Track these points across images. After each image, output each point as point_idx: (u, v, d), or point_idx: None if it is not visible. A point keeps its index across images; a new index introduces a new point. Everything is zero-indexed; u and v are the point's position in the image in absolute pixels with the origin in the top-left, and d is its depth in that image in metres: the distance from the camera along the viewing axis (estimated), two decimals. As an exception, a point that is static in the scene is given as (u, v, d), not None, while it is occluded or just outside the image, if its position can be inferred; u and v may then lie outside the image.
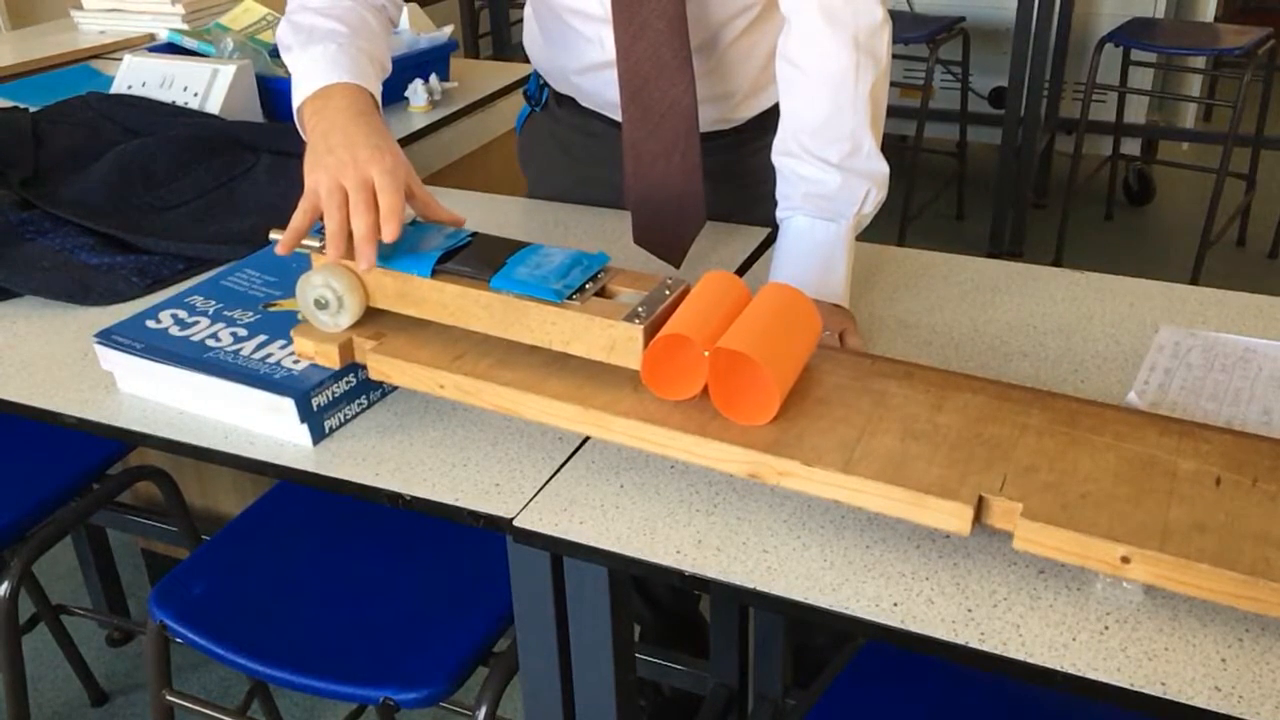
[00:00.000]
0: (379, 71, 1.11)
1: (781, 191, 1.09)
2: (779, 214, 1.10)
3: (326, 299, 0.90)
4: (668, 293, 0.85)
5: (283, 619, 1.13)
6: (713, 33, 1.19)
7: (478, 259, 0.89)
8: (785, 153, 1.08)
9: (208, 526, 1.56)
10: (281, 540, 1.23)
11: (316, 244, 0.92)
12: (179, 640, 1.14)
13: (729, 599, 1.06)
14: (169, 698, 1.22)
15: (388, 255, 0.90)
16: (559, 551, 0.84)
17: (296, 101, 1.05)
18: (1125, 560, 0.70)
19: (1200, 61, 3.56)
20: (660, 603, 1.67)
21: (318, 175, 0.92)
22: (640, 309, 0.83)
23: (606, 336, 0.83)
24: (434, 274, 0.88)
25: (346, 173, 0.91)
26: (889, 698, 1.03)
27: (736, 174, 1.33)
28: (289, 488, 1.29)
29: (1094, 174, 3.55)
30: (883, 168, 1.07)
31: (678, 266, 1.19)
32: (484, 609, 1.10)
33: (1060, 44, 3.36)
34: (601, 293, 0.86)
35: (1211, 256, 3.02)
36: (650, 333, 0.82)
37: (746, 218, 1.30)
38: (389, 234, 0.89)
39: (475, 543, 1.18)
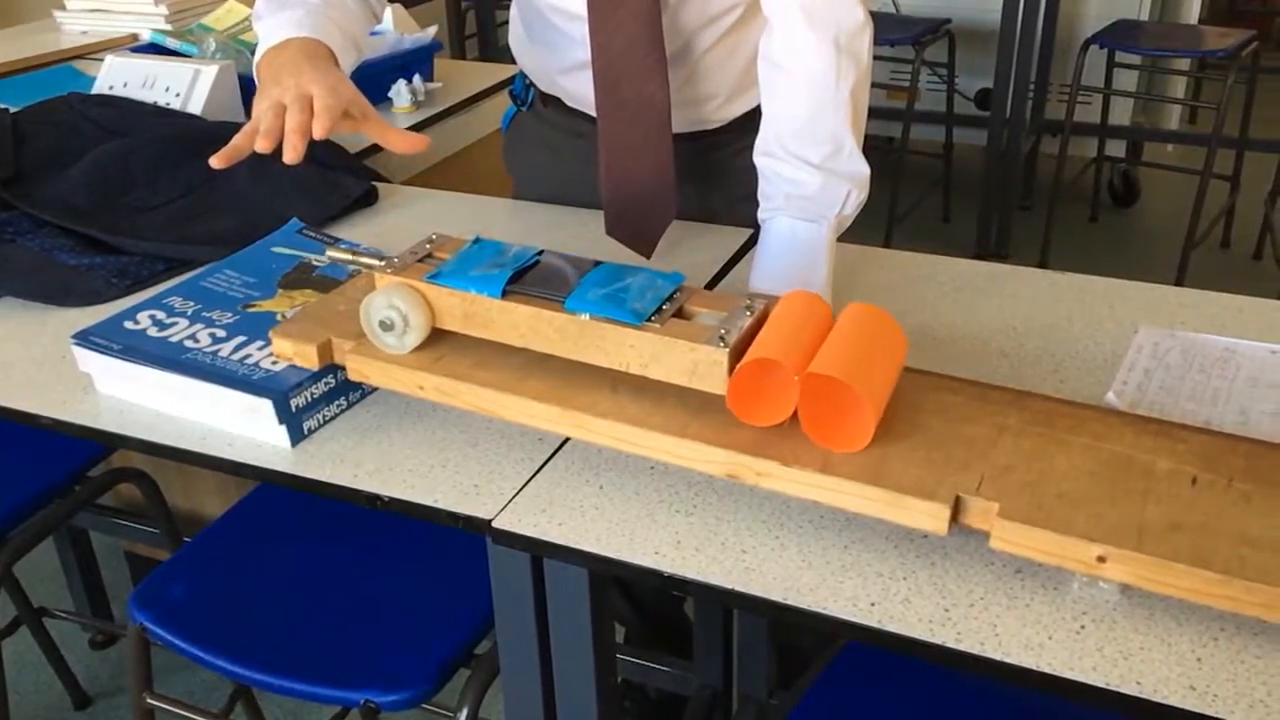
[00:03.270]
0: (348, 43, 1.12)
1: (763, 192, 1.10)
2: (760, 214, 1.10)
3: (392, 320, 0.87)
4: (748, 313, 0.82)
5: (263, 621, 1.12)
6: (694, 36, 1.20)
7: (549, 279, 0.86)
8: (766, 153, 1.08)
9: (192, 528, 1.56)
10: (263, 542, 1.23)
11: (378, 263, 0.90)
12: (159, 643, 1.14)
13: (709, 600, 1.06)
14: (150, 701, 1.22)
15: (454, 274, 0.87)
16: (538, 552, 0.84)
17: (255, 59, 1.08)
18: (1101, 560, 0.70)
19: (1184, 63, 3.58)
20: (645, 604, 1.66)
21: (261, 102, 0.95)
22: (723, 331, 0.80)
23: (688, 360, 0.80)
24: (504, 294, 0.85)
25: (289, 94, 0.94)
26: (870, 698, 1.03)
27: (720, 175, 1.33)
28: (271, 489, 1.29)
29: (1079, 176, 3.56)
30: (864, 169, 1.07)
31: (648, 257, 1.20)
32: (465, 611, 1.10)
33: (1045, 46, 3.37)
34: (679, 313, 0.83)
35: (1196, 258, 3.03)
36: (734, 356, 0.79)
37: (730, 218, 1.31)
38: (319, 130, 0.91)
39: (457, 544, 1.17)
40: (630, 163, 1.18)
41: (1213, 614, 0.71)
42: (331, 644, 1.08)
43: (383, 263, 0.90)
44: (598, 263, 0.88)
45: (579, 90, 1.29)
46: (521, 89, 1.41)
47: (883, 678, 1.04)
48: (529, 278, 0.86)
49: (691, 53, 1.21)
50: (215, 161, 0.94)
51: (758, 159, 1.09)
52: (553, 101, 1.36)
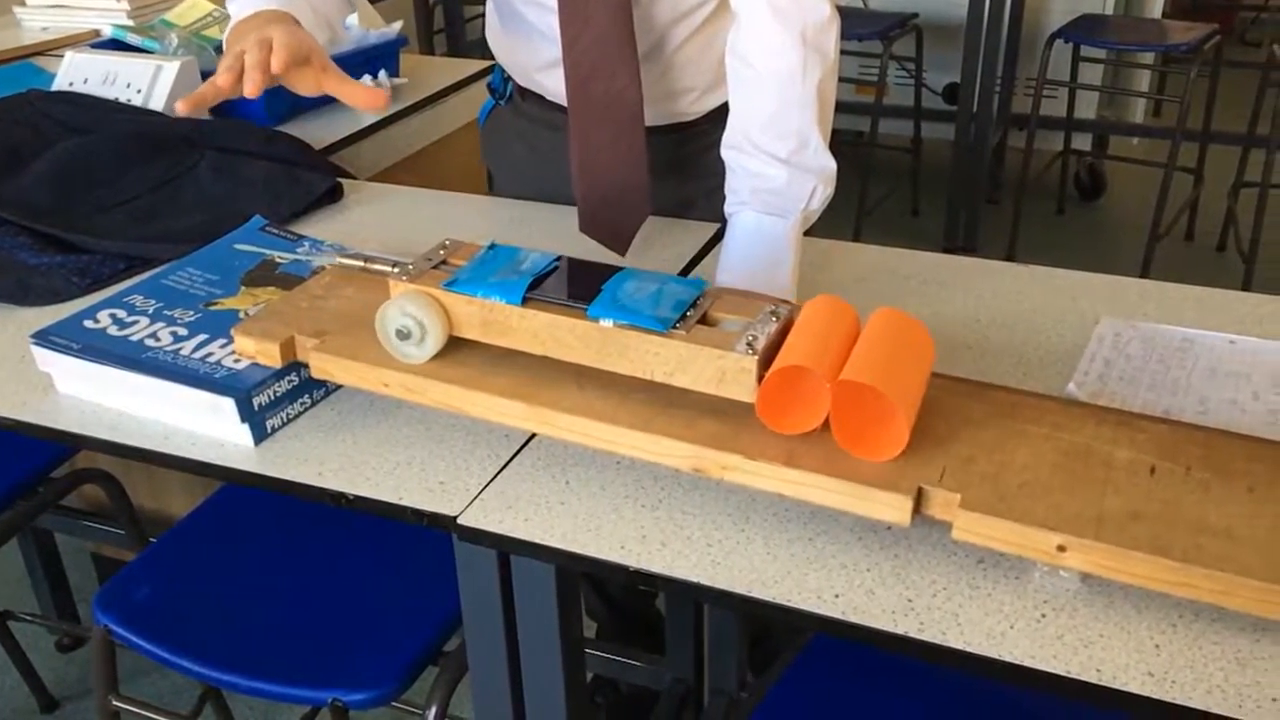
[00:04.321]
0: (319, 20, 1.12)
1: (730, 186, 1.10)
2: (727, 208, 1.10)
3: (409, 329, 0.85)
4: (774, 319, 0.81)
5: (229, 621, 1.12)
6: (667, 31, 1.20)
7: (570, 285, 0.85)
8: (733, 147, 1.08)
9: (159, 529, 1.54)
10: (228, 542, 1.22)
11: (393, 270, 0.88)
12: (124, 645, 1.12)
13: (676, 594, 1.07)
14: (116, 704, 1.20)
15: (471, 281, 0.85)
16: (504, 549, 0.84)
17: (225, 34, 1.08)
18: (1062, 549, 0.71)
19: (1149, 58, 3.61)
20: (616, 600, 1.67)
21: (224, 60, 0.96)
22: (750, 337, 0.79)
23: (715, 368, 0.78)
24: (524, 302, 0.83)
25: (249, 41, 0.95)
26: (837, 690, 1.03)
27: (697, 166, 1.33)
28: (236, 488, 1.28)
29: (1046, 169, 3.59)
30: (830, 164, 1.07)
31: (623, 254, 1.20)
32: (434, 609, 1.10)
33: (1011, 40, 3.39)
34: (703, 319, 0.82)
35: (1161, 250, 3.06)
36: (763, 363, 0.78)
37: (708, 208, 1.31)
38: (277, 63, 0.92)
39: (425, 542, 1.17)
40: (603, 160, 1.18)
41: (1171, 601, 0.71)
42: (298, 643, 1.08)
43: (397, 269, 0.88)
44: (618, 268, 0.86)
45: (557, 86, 1.28)
46: (500, 82, 1.41)
47: (851, 670, 1.04)
48: (548, 284, 0.85)
49: (666, 48, 1.21)
50: (180, 106, 0.95)
51: (725, 153, 1.10)
52: (531, 95, 1.35)
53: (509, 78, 1.38)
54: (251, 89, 0.94)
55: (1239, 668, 0.67)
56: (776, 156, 1.05)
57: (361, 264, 0.94)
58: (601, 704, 1.74)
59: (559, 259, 0.88)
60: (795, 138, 1.05)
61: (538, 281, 0.84)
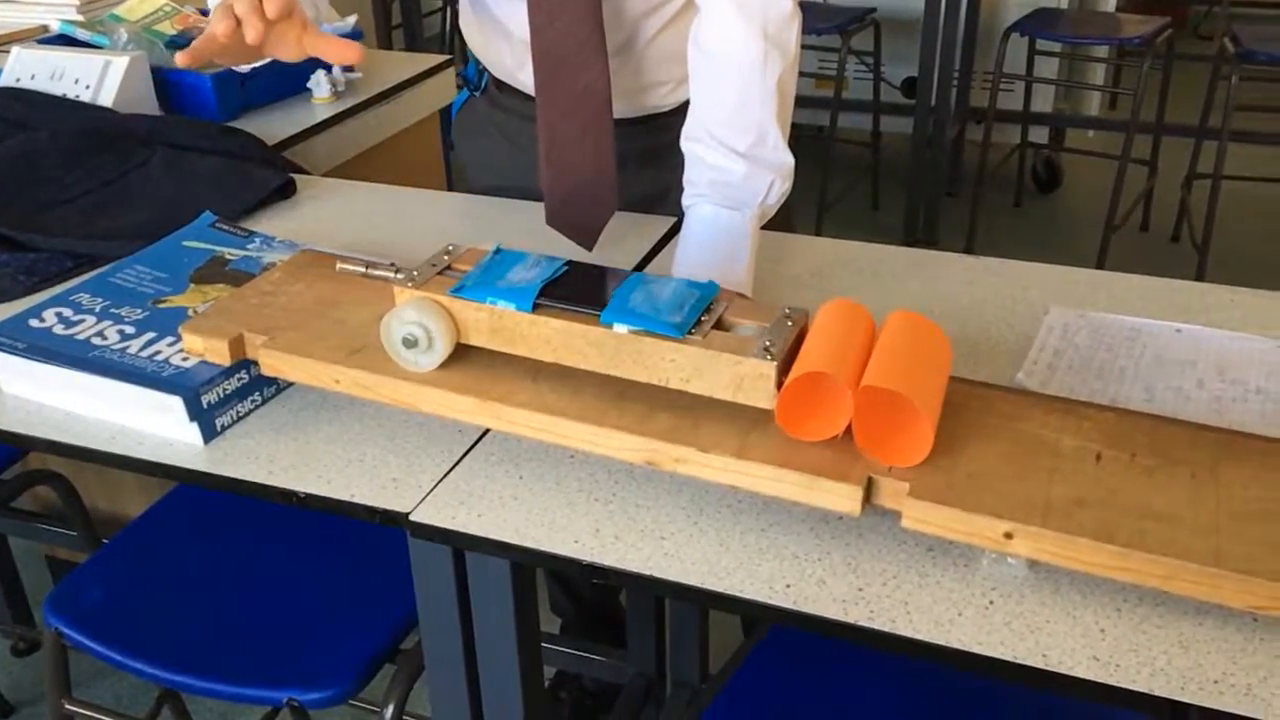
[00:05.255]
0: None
1: (688, 178, 1.10)
2: (685, 200, 1.10)
3: (416, 336, 0.83)
4: (789, 323, 0.80)
5: (183, 622, 1.10)
6: (638, 24, 1.19)
7: (581, 291, 0.83)
8: (693, 139, 1.09)
9: (113, 530, 1.52)
10: (182, 542, 1.21)
11: (397, 276, 0.87)
12: (76, 648, 1.11)
13: (631, 587, 1.07)
14: (70, 708, 1.19)
15: (479, 287, 0.83)
16: (457, 545, 0.84)
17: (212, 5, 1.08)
18: (1009, 536, 0.71)
19: (1103, 51, 3.65)
20: (581, 596, 1.67)
21: (213, 24, 0.95)
22: (768, 343, 0.77)
23: (733, 374, 0.77)
24: (535, 308, 0.82)
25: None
26: (794, 679, 1.04)
27: (672, 154, 1.33)
28: (189, 488, 1.26)
29: (1003, 162, 3.62)
30: (788, 160, 1.08)
31: (589, 249, 1.20)
32: (390, 607, 1.09)
33: (969, 34, 3.42)
34: (719, 324, 0.80)
35: (1116, 241, 3.10)
36: (782, 369, 0.77)
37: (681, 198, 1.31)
38: (271, 9, 0.92)
39: (382, 540, 1.16)
40: (570, 154, 1.18)
41: (1116, 586, 0.72)
42: (253, 644, 1.07)
43: (401, 275, 0.86)
44: (629, 273, 0.85)
45: (530, 79, 1.28)
46: (474, 74, 1.39)
47: (808, 659, 1.05)
48: (559, 290, 0.83)
49: (638, 41, 1.21)
50: (180, 59, 0.94)
51: (684, 144, 1.10)
52: (506, 87, 1.35)
53: (484, 69, 1.37)
54: (254, 35, 0.92)
55: (1182, 650, 0.68)
56: (735, 150, 1.06)
57: (363, 270, 0.92)
58: (565, 699, 1.74)
59: (568, 263, 0.85)
60: (754, 132, 1.06)
61: (547, 287, 0.83)
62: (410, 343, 0.84)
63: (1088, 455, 0.77)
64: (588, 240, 1.20)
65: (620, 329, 0.79)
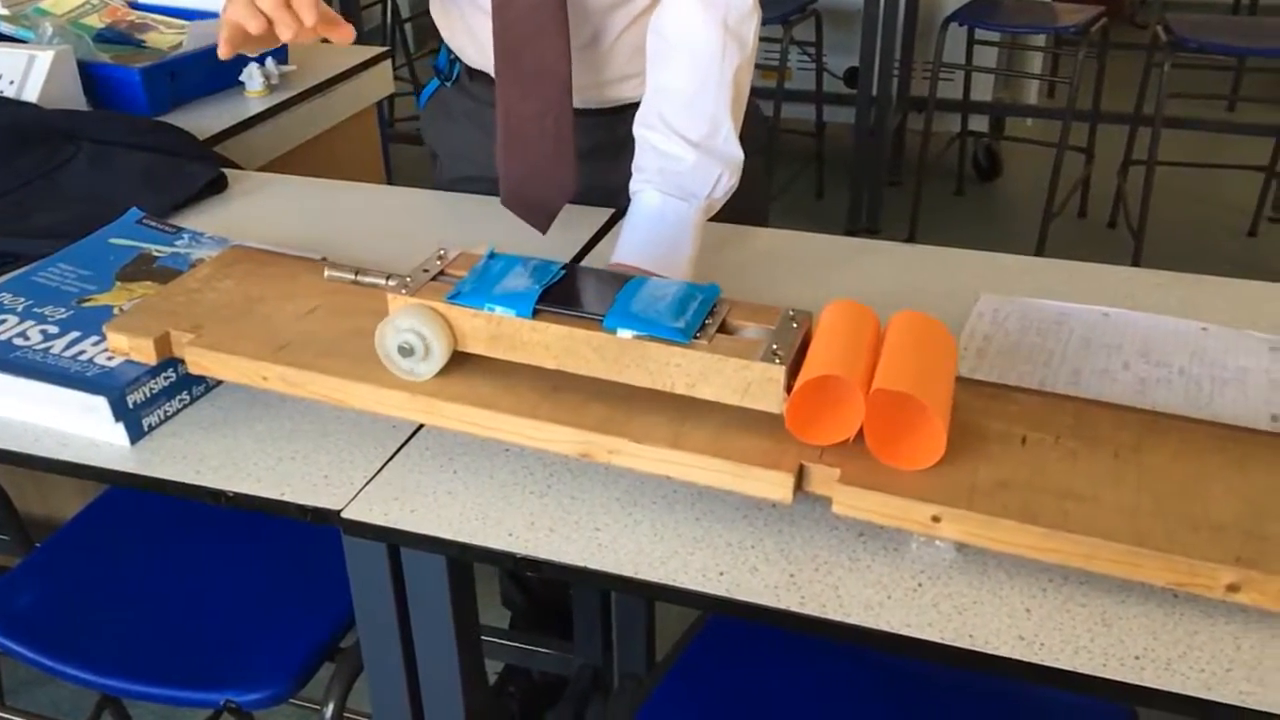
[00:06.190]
0: None
1: (637, 163, 1.10)
2: (633, 186, 1.10)
3: (412, 345, 0.81)
4: (794, 325, 0.79)
5: (117, 626, 1.09)
6: (605, 18, 1.18)
7: (580, 295, 0.82)
8: (646, 125, 1.09)
9: (48, 534, 1.49)
10: (115, 545, 1.19)
11: (389, 283, 0.84)
12: (7, 654, 1.09)
13: (560, 579, 1.07)
14: (3, 715, 1.17)
15: (476, 293, 0.81)
16: (390, 541, 0.83)
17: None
18: (936, 519, 0.72)
19: (1041, 40, 3.70)
20: (532, 588, 1.66)
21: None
22: (775, 346, 0.76)
23: (741, 378, 0.76)
24: (535, 314, 0.80)
25: None
26: (735, 666, 1.04)
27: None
28: (122, 490, 1.24)
29: (944, 151, 3.66)
30: (738, 154, 1.08)
31: (544, 233, 1.19)
32: (328, 605, 1.08)
33: (909, 24, 3.45)
34: (723, 328, 0.80)
35: (1055, 227, 3.14)
36: (790, 372, 0.76)
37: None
38: (309, 16, 0.90)
39: (319, 539, 1.15)
40: (529, 134, 1.17)
41: (1041, 566, 0.74)
42: (188, 646, 1.05)
43: (394, 282, 0.84)
44: (629, 276, 0.84)
45: None
46: (445, 63, 1.38)
47: (746, 648, 1.05)
48: (558, 294, 0.81)
49: (607, 35, 1.20)
50: (223, 51, 0.94)
51: (637, 130, 1.10)
52: (479, 75, 1.33)
53: (455, 59, 1.36)
54: (290, 35, 0.90)
55: (1105, 628, 0.70)
56: (688, 139, 1.06)
57: (352, 277, 0.89)
58: (514, 694, 1.73)
59: (564, 267, 0.84)
60: (708, 122, 1.06)
61: (546, 292, 0.81)
62: (406, 351, 0.82)
63: (1014, 439, 0.78)
64: (542, 223, 1.19)
65: (624, 334, 0.78)
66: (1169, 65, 2.91)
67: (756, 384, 0.76)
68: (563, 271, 0.84)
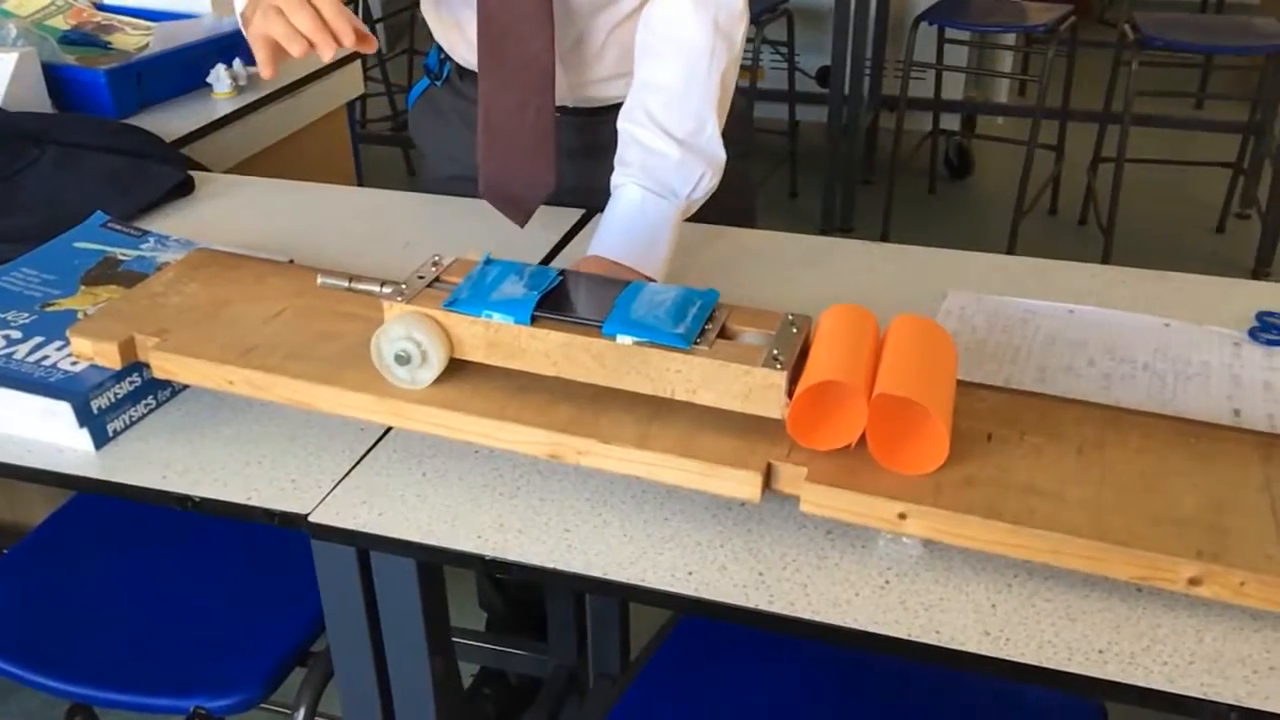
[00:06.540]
0: None
1: (620, 157, 1.10)
2: (614, 179, 1.10)
3: (409, 353, 0.81)
4: (794, 330, 0.79)
5: (85, 633, 1.08)
6: (591, 18, 1.18)
7: (578, 301, 0.81)
8: (631, 120, 1.10)
9: (14, 541, 1.48)
10: (83, 551, 1.18)
11: (384, 290, 0.84)
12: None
13: (530, 580, 1.07)
14: (-32, 726, 1.15)
15: (473, 300, 0.81)
16: (359, 545, 0.83)
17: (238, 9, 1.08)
18: (903, 517, 0.73)
19: (1011, 39, 3.73)
20: (509, 590, 1.66)
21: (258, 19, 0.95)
22: (775, 352, 0.76)
23: (742, 384, 0.76)
24: (533, 321, 0.80)
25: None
26: (707, 665, 1.05)
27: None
28: (90, 496, 1.23)
29: (917, 149, 3.68)
30: (721, 154, 1.09)
31: (522, 226, 1.19)
32: (298, 610, 1.08)
33: (880, 23, 3.46)
34: (722, 333, 0.79)
35: (1026, 225, 3.17)
36: (791, 377, 0.76)
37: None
38: (348, 40, 0.93)
39: (289, 543, 1.14)
40: (510, 125, 1.17)
41: (1007, 562, 0.74)
42: (157, 653, 1.05)
43: (389, 289, 0.83)
44: (626, 282, 0.84)
45: None
46: (436, 63, 1.37)
47: (717, 647, 1.06)
48: (556, 301, 0.81)
49: (595, 36, 1.20)
50: (265, 72, 0.97)
51: (621, 125, 1.10)
52: (470, 75, 1.32)
53: (446, 58, 1.35)
54: (330, 55, 0.93)
55: (1069, 622, 0.70)
56: (673, 135, 1.07)
57: (346, 284, 0.88)
58: (490, 695, 1.73)
59: (561, 273, 0.84)
60: (694, 120, 1.07)
61: (543, 298, 0.81)
62: (403, 359, 0.82)
63: (979, 435, 0.79)
64: (520, 217, 1.19)
65: (624, 340, 0.78)
66: (1137, 63, 2.94)
67: (758, 390, 0.76)
68: (559, 278, 0.83)
